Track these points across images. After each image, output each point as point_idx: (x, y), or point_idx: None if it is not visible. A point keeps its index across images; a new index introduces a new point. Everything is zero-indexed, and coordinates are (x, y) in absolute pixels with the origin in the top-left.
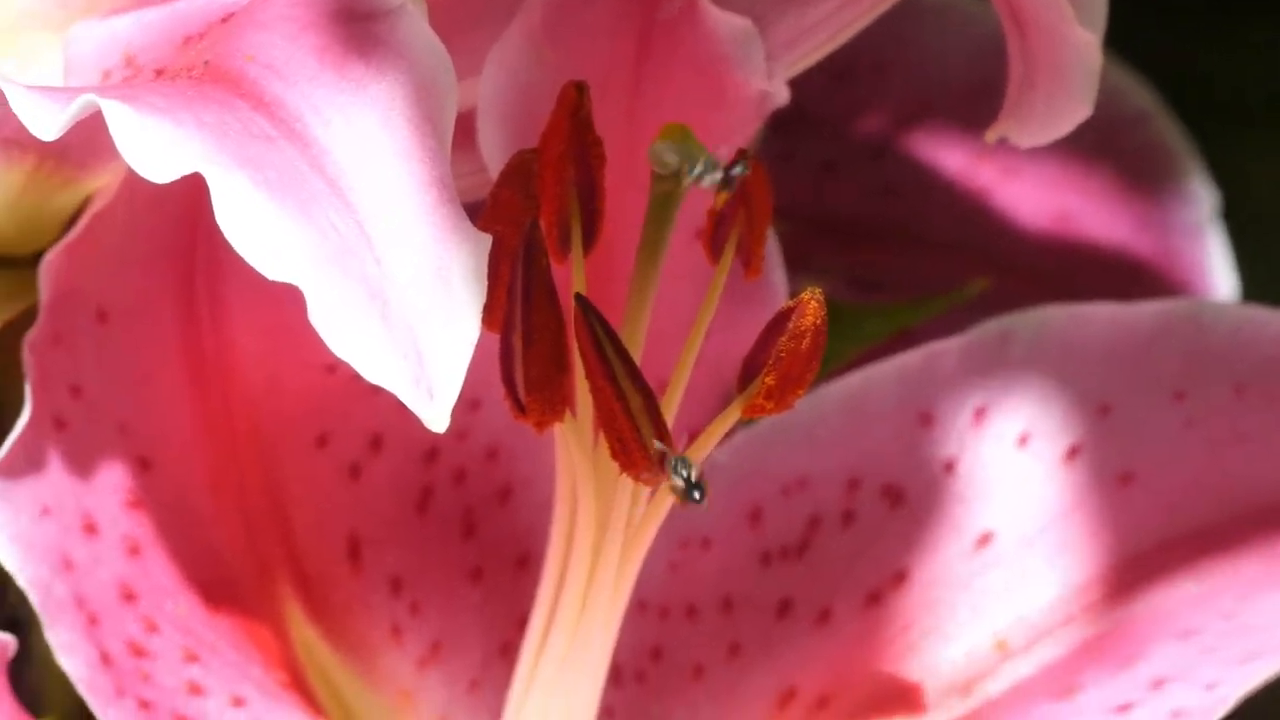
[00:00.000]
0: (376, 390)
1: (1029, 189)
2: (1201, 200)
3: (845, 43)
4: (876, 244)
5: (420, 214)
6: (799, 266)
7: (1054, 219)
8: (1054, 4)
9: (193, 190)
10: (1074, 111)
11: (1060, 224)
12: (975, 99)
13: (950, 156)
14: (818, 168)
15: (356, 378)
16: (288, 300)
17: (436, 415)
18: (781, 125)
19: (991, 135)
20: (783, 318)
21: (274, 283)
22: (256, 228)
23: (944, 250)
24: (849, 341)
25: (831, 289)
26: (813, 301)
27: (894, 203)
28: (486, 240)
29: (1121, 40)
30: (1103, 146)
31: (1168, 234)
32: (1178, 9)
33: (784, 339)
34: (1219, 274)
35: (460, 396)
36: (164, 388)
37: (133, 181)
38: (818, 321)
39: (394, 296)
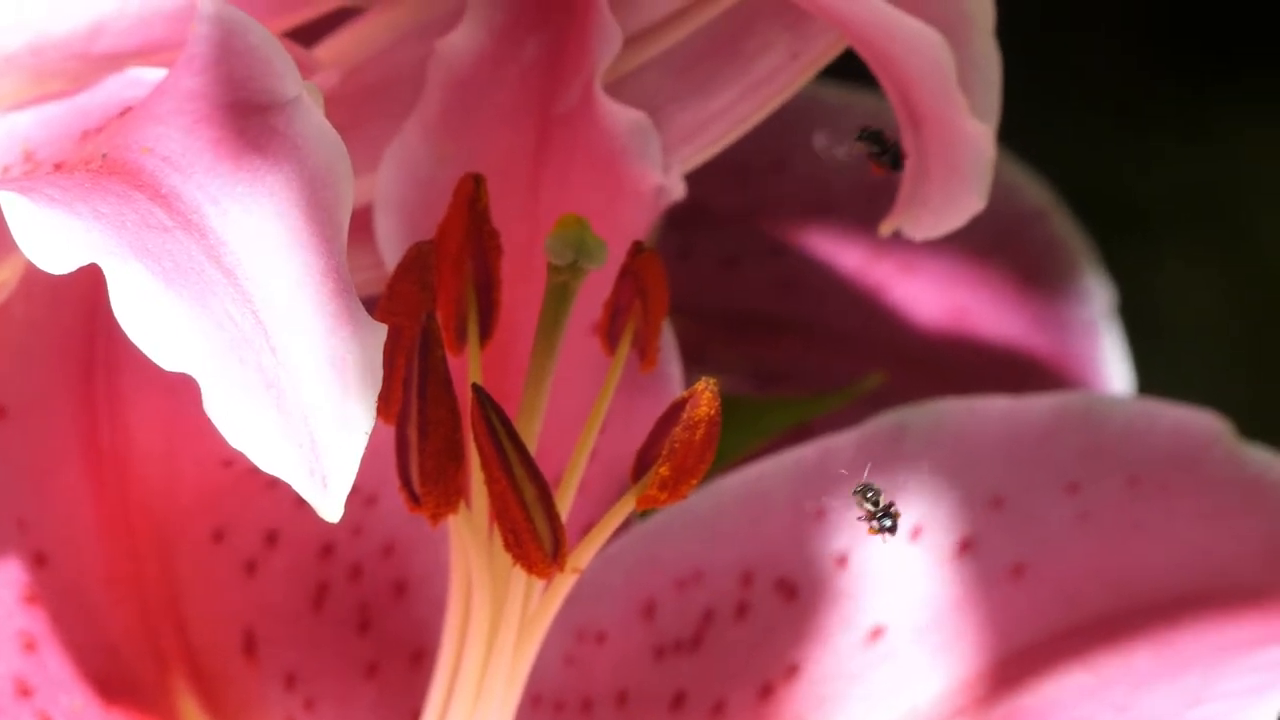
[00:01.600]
0: (273, 485)
1: (925, 285)
2: (1096, 297)
3: (745, 140)
4: (775, 338)
5: (316, 305)
6: (697, 361)
7: (950, 314)
8: (948, 97)
9: (92, 285)
10: (967, 203)
11: (956, 319)
12: (874, 196)
13: (848, 253)
14: (717, 263)
15: (253, 472)
16: (186, 395)
17: (331, 505)
18: (681, 221)
19: (886, 228)
20: (677, 408)
21: (172, 377)
22: (152, 318)
23: (842, 344)
24: (747, 435)
25: (730, 383)
26: (707, 392)
27: (793, 298)
28: (382, 331)
29: (1020, 140)
30: (999, 243)
31: (1063, 330)
32: (1081, 113)
33: (678, 429)
34: (1113, 370)
35: (356, 492)
36: (63, 483)
37: (31, 275)
38: (712, 412)
39: (289, 387)
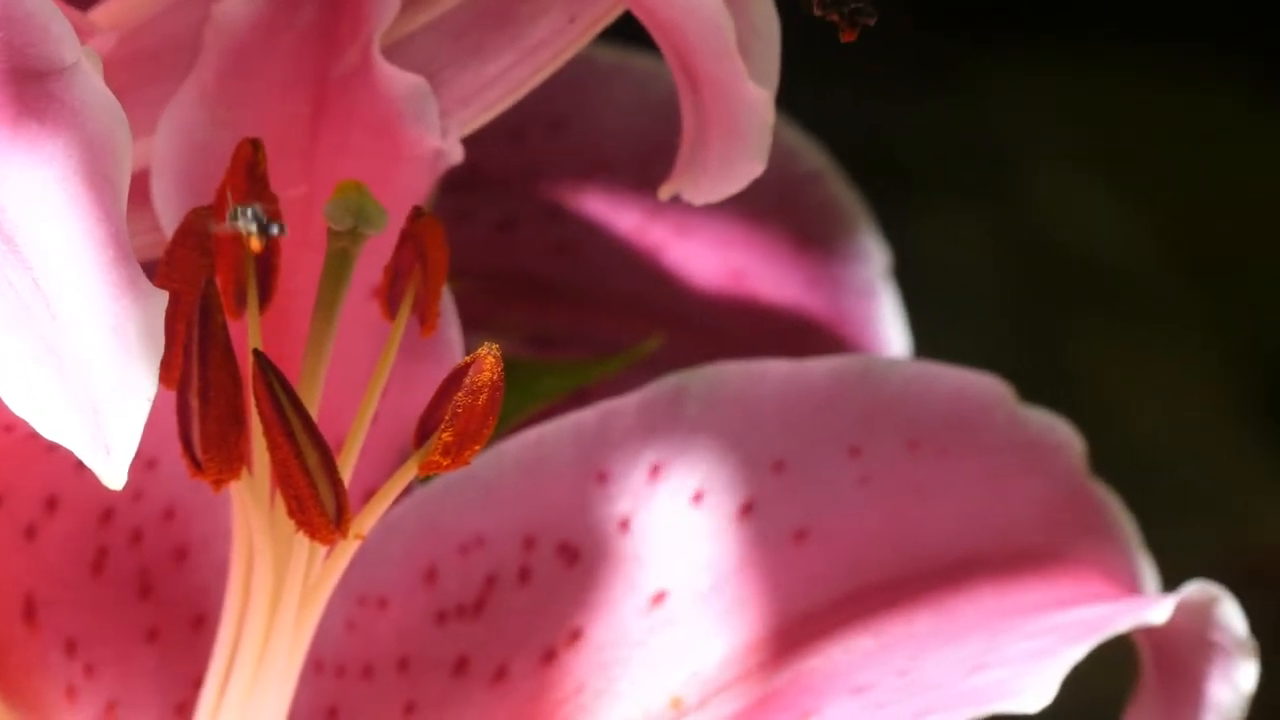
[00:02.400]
0: (53, 449)
1: (702, 247)
2: (873, 258)
3: (522, 102)
4: (554, 302)
5: (96, 271)
6: (477, 325)
7: (727, 277)
8: (727, 60)
9: None
10: (747, 168)
11: (733, 282)
12: (651, 159)
13: (625, 215)
14: (495, 226)
15: (33, 436)
16: None
17: (114, 472)
18: (459, 184)
19: (665, 192)
20: (459, 374)
21: None
22: None
23: (620, 308)
24: (526, 398)
25: (509, 347)
26: (489, 357)
27: (570, 261)
28: (163, 296)
29: (793, 103)
30: (776, 206)
31: (840, 291)
32: (854, 74)
33: (460, 394)
34: (891, 331)
35: (137, 456)
36: None
37: None
38: (494, 377)
39: (70, 353)
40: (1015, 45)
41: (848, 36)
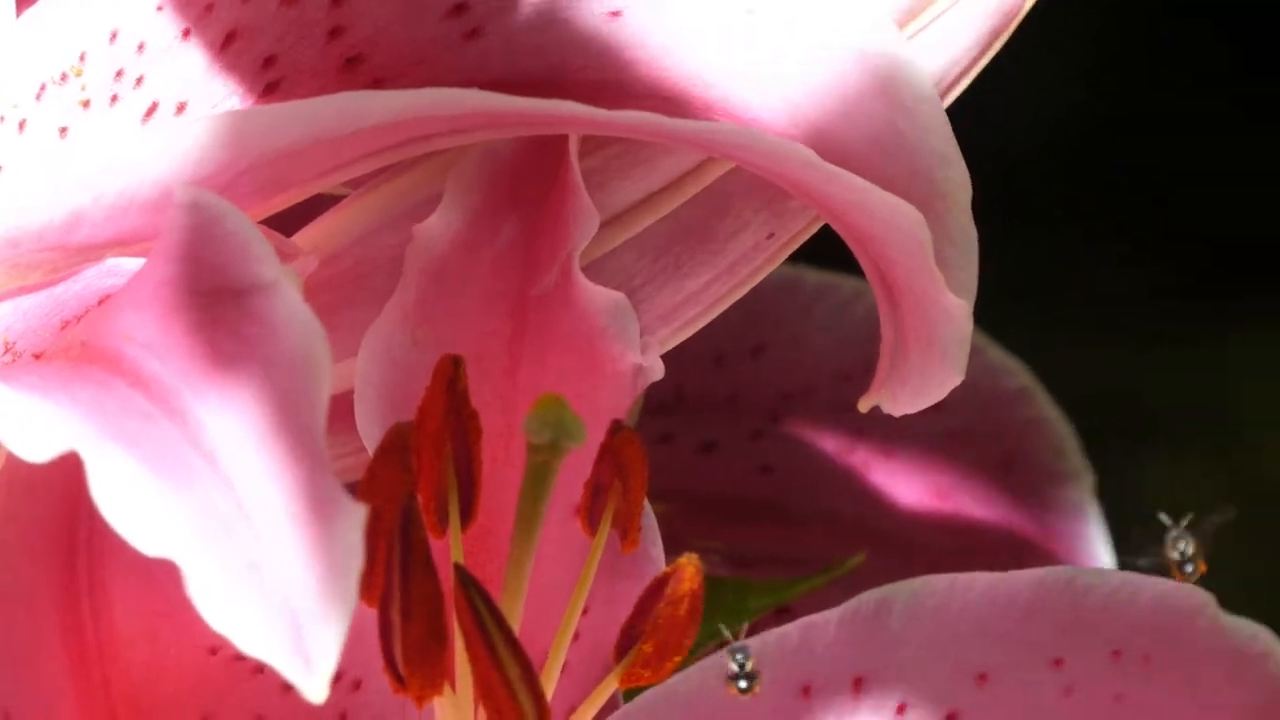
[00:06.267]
0: (258, 671)
1: (906, 466)
2: (1082, 478)
3: (722, 326)
4: (756, 522)
5: (295, 488)
6: (679, 546)
7: (931, 495)
8: (924, 271)
9: (72, 473)
10: (945, 377)
11: (938, 500)
12: (854, 378)
13: (828, 435)
14: (697, 448)
15: (238, 658)
16: (169, 582)
17: (315, 687)
18: (661, 407)
19: (864, 404)
20: (660, 584)
21: (154, 563)
22: (132, 503)
23: (822, 526)
24: (729, 617)
25: (711, 567)
26: (689, 567)
27: (773, 481)
28: (362, 513)
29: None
30: (982, 424)
31: (1047, 511)
32: (1105, 327)
33: (661, 605)
34: (1100, 551)
35: (341, 676)
36: (45, 672)
37: (12, 464)
38: (694, 587)
39: (270, 570)
40: (1253, 308)
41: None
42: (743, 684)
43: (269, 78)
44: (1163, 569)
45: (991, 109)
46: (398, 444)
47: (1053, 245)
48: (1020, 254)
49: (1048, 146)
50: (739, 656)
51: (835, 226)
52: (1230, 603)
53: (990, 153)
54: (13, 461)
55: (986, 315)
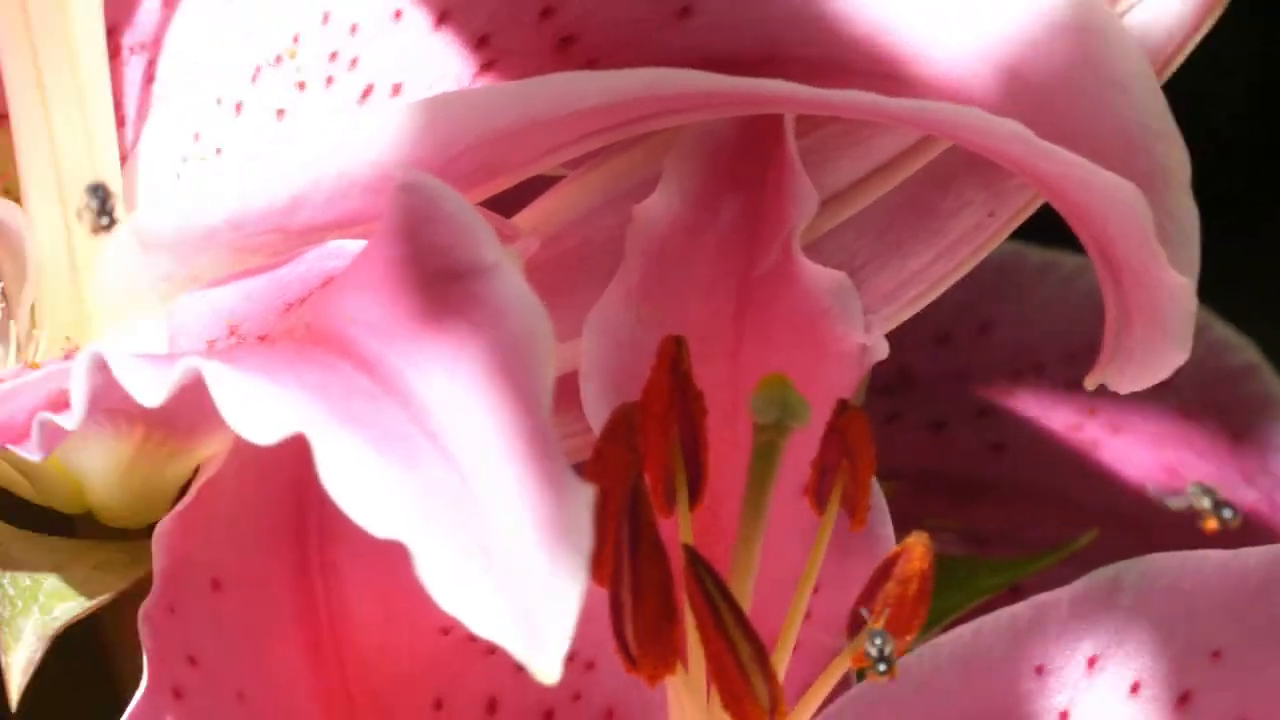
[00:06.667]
0: (490, 652)
1: (1136, 444)
2: None
3: (948, 304)
4: (985, 501)
5: (523, 468)
6: (908, 524)
7: (1161, 472)
8: (1146, 247)
9: (301, 456)
10: (1170, 355)
11: (1168, 477)
12: (1080, 355)
13: (1057, 413)
14: (925, 427)
15: (470, 639)
16: (400, 564)
17: (548, 667)
18: (888, 387)
19: (1091, 381)
20: (890, 563)
21: (385, 545)
22: (361, 485)
23: (1053, 505)
24: (960, 596)
25: (941, 546)
26: (919, 546)
27: (1002, 459)
28: (591, 492)
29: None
30: (1210, 400)
31: (1276, 488)
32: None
33: (891, 584)
34: None
35: (573, 657)
36: (280, 654)
37: (240, 448)
38: (925, 566)
39: (501, 550)
40: None
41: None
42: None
43: (483, 58)
44: None
45: (1204, 87)
46: (624, 424)
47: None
48: (1244, 232)
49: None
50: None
51: (1055, 204)
52: None
53: (1204, 131)
54: (241, 444)
55: (1211, 293)
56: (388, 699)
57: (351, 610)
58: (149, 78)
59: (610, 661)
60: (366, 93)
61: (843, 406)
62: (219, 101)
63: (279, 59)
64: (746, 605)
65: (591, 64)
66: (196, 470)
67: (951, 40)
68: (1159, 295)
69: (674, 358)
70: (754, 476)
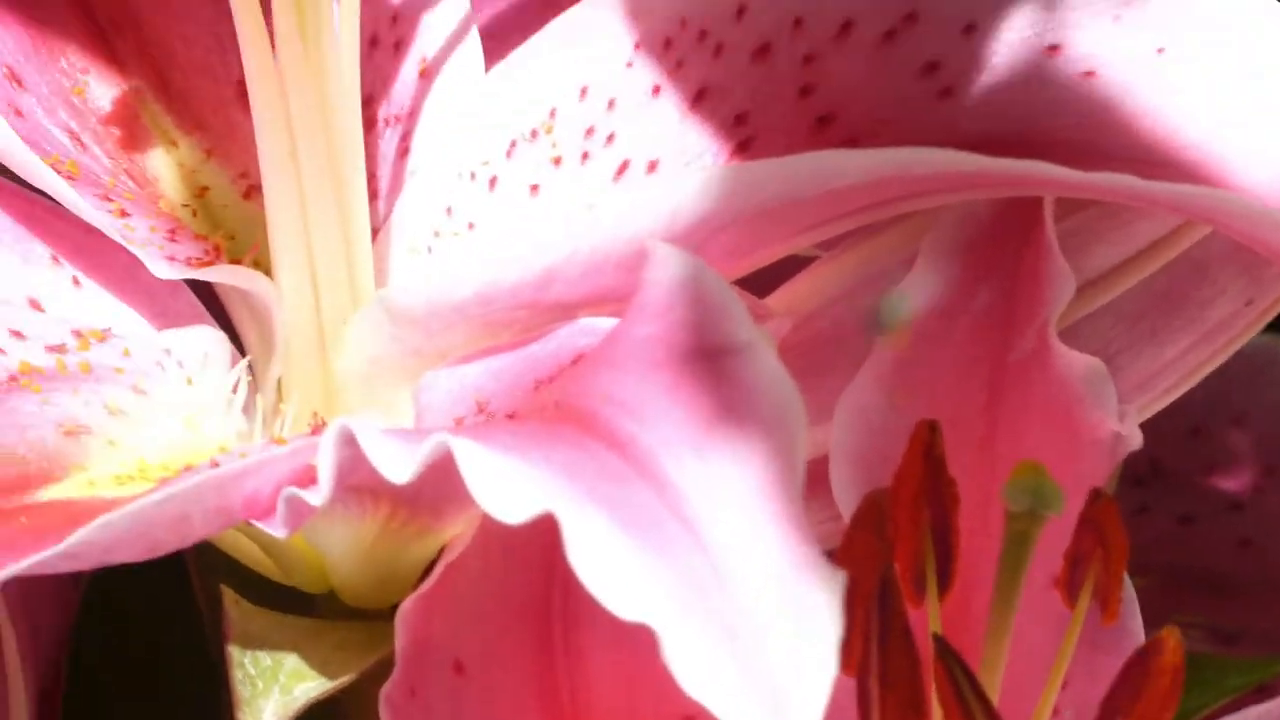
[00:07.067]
0: None
1: None
2: None
3: (1200, 395)
4: (1235, 597)
5: (776, 553)
6: (1158, 619)
7: None
8: None
9: (547, 537)
10: None
11: None
12: None
13: None
14: (1176, 520)
15: None
16: (645, 649)
17: None
18: (1139, 479)
19: None
20: (1140, 658)
21: (632, 630)
22: (610, 567)
23: None
24: (1209, 694)
25: (1190, 642)
26: (1170, 640)
27: (1254, 555)
28: (843, 579)
29: None
30: None
31: None
32: None
33: (1142, 679)
34: None
35: None
36: None
37: (487, 529)
38: (1176, 661)
39: (750, 636)
40: None
41: None
42: None
43: (741, 135)
44: None
45: None
46: (875, 511)
47: None
48: None
49: None
50: None
51: None
52: None
53: None
54: (487, 524)
55: None
56: None
57: (594, 694)
58: (403, 150)
59: None
60: (622, 169)
61: (1096, 495)
62: (473, 176)
63: (535, 133)
64: (995, 698)
65: (849, 143)
66: (440, 551)
67: (1213, 124)
68: None
69: (928, 443)
70: (1006, 565)
